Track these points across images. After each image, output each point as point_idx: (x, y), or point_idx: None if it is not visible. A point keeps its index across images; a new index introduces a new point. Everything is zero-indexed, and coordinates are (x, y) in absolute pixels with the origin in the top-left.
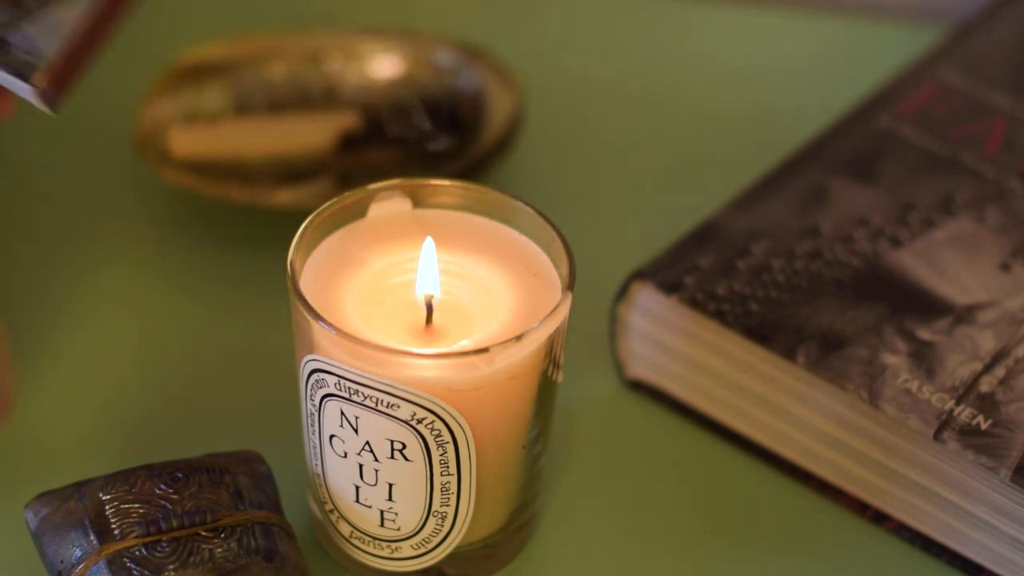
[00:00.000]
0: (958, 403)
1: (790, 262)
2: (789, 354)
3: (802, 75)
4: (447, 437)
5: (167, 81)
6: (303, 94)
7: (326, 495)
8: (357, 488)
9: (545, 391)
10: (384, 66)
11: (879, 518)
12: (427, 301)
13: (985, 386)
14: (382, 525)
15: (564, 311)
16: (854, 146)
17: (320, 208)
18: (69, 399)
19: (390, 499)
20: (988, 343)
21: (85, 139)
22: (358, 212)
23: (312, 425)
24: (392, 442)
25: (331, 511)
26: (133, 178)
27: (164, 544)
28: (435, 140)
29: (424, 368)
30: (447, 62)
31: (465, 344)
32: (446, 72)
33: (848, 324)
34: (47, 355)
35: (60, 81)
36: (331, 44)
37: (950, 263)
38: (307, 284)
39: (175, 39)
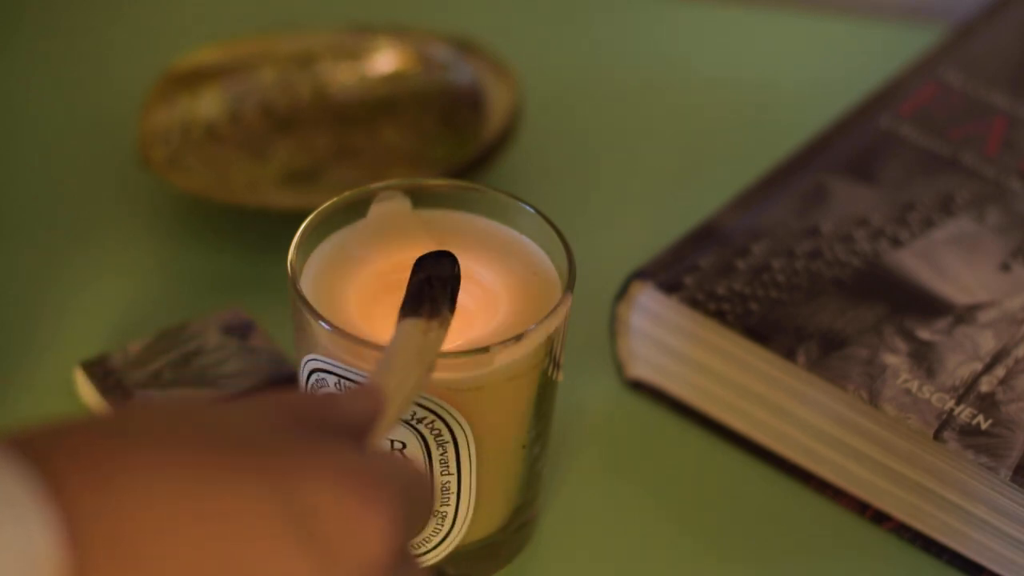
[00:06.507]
0: (958, 403)
1: (790, 262)
2: (789, 354)
3: (802, 75)
4: (447, 437)
5: (163, 88)
6: (295, 98)
7: None
8: None
9: (545, 391)
10: (377, 64)
11: (879, 518)
12: None
13: (985, 386)
14: None
15: (564, 311)
16: (854, 146)
17: (320, 208)
18: (71, 406)
19: None
20: (988, 343)
21: (83, 147)
22: (358, 212)
23: None
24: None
25: None
26: (133, 184)
27: None
28: (432, 137)
29: None
30: (441, 57)
31: (465, 344)
32: (440, 67)
33: (848, 324)
34: (48, 363)
35: None
36: (322, 43)
37: (950, 263)
38: (307, 284)
39: (163, 45)
